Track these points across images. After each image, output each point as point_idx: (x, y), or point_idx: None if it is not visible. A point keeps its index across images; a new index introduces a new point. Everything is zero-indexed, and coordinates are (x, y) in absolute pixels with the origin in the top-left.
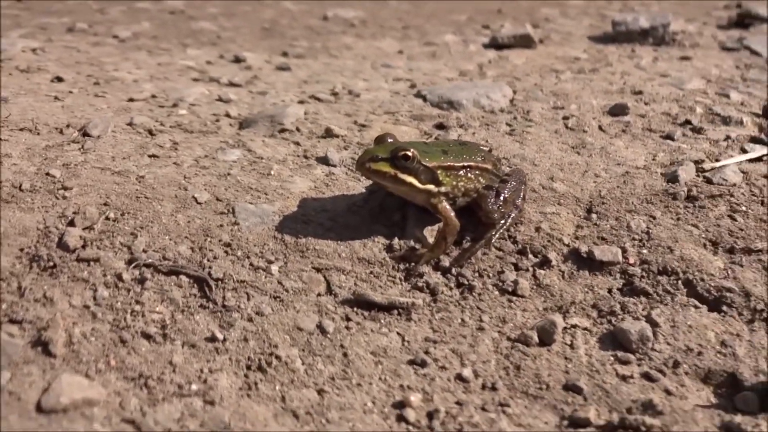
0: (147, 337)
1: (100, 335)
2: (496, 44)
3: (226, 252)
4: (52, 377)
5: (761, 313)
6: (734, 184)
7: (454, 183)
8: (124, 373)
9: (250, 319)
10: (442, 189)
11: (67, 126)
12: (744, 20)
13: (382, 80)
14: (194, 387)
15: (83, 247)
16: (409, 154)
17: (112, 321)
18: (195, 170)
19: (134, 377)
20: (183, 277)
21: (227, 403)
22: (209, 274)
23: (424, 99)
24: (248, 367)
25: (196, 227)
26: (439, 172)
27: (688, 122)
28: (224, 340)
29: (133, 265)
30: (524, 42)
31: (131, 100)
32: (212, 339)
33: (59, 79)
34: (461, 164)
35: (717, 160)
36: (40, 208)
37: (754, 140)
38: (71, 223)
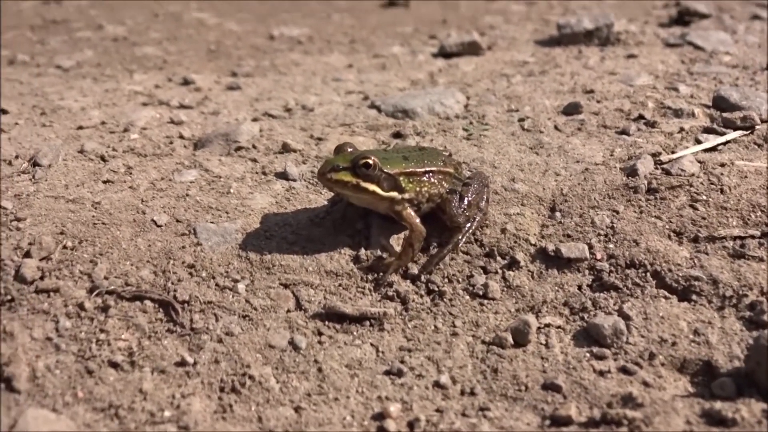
0: (114, 365)
1: (65, 367)
2: (444, 53)
3: (190, 274)
4: (17, 413)
5: (730, 299)
6: (692, 174)
7: (418, 189)
8: (93, 404)
9: (219, 341)
10: (406, 195)
11: (16, 157)
12: (684, 17)
13: (334, 94)
14: (167, 413)
15: (41, 278)
16: (370, 161)
17: (77, 351)
18: (152, 193)
19: (104, 408)
20: (147, 302)
21: (202, 427)
22: (174, 297)
23: (378, 109)
24: (221, 389)
25: (158, 250)
26: (401, 178)
27: (641, 117)
28: (195, 363)
29: (94, 293)
30: (472, 49)
31: (80, 127)
32: (182, 363)
33: (4, 111)
34: (423, 170)
35: (673, 152)
36: None
37: (708, 130)
38: (27, 255)
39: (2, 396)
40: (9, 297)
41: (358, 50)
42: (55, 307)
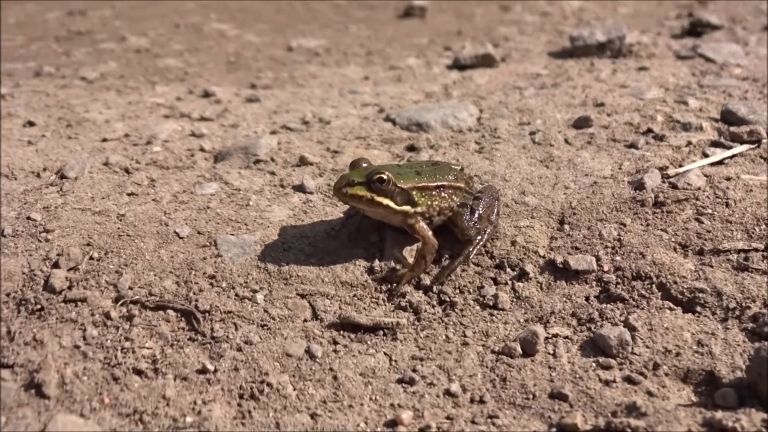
0: (138, 372)
1: (92, 374)
2: (458, 65)
3: (211, 284)
4: (47, 418)
5: (734, 311)
6: (698, 188)
7: (430, 203)
8: (119, 409)
9: (239, 349)
10: (418, 209)
11: (44, 169)
12: (696, 28)
13: (351, 106)
14: (189, 419)
15: (69, 288)
16: (384, 177)
17: (103, 359)
18: (174, 206)
19: (129, 413)
20: (170, 312)
21: None
22: (196, 306)
23: (393, 122)
24: (241, 396)
25: (180, 261)
26: (414, 193)
27: (650, 131)
28: (215, 370)
29: (120, 302)
30: (486, 61)
31: (104, 140)
32: (203, 371)
33: (31, 124)
34: (435, 184)
35: (680, 166)
36: (23, 252)
37: (715, 144)
38: (56, 265)
39: (32, 402)
40: (39, 306)
41: (374, 62)
42: (83, 316)
